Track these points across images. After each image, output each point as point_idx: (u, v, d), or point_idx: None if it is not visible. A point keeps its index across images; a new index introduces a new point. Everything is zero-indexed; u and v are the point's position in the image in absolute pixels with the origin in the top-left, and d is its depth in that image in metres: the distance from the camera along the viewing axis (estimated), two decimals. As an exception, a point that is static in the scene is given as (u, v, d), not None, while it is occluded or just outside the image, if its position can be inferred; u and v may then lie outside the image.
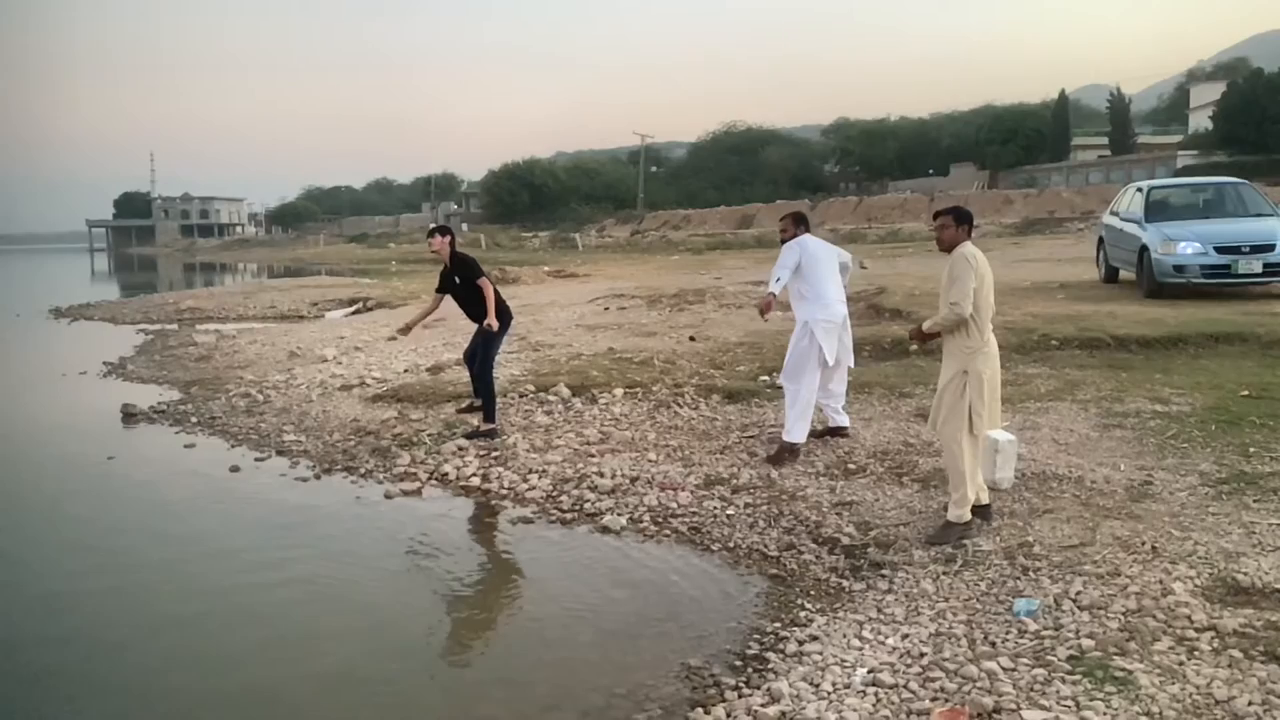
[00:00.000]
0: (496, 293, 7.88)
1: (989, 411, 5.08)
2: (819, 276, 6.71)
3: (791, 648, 4.12)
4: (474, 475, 6.99)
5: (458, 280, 7.88)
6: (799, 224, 6.95)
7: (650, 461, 6.91)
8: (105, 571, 5.60)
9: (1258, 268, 11.75)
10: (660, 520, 5.86)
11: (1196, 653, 3.69)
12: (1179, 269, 12.03)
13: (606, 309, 16.05)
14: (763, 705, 3.63)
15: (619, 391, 8.92)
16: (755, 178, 73.86)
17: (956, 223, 5.12)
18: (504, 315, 7.87)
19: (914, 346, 5.56)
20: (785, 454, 6.64)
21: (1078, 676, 3.58)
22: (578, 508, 6.20)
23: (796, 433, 6.70)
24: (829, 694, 3.67)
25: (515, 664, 4.37)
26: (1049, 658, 3.75)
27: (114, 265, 72.30)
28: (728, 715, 3.65)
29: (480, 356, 7.90)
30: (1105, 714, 3.31)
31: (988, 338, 5.07)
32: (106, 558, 5.84)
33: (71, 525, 6.52)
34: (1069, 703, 3.40)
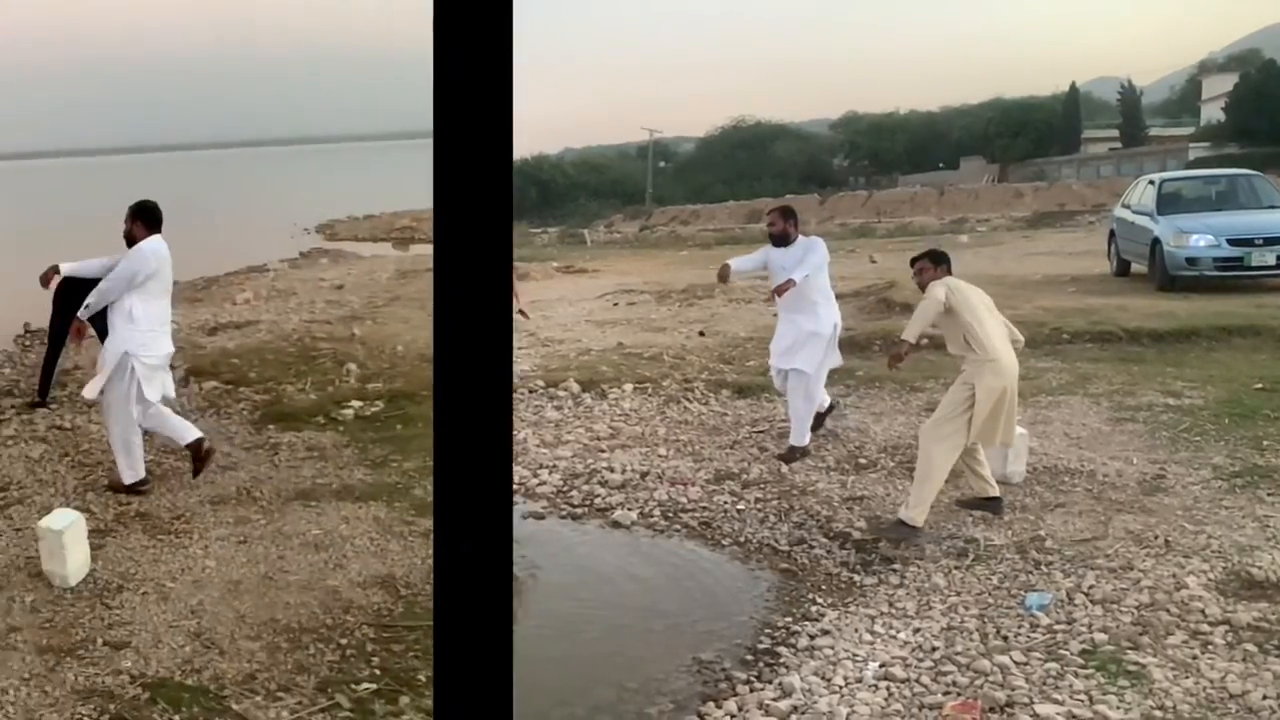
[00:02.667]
0: None
1: (988, 427, 5.04)
2: (826, 277, 6.66)
3: (803, 642, 4.12)
4: (484, 471, 6.99)
5: None
6: (788, 218, 6.62)
7: (660, 456, 6.91)
8: None
9: (1271, 260, 11.66)
10: (670, 515, 5.86)
11: (1210, 647, 3.69)
12: (1191, 261, 11.95)
13: (615, 305, 16.03)
14: (774, 699, 3.63)
15: (629, 387, 8.92)
16: (764, 173, 73.55)
17: (934, 264, 5.31)
18: None
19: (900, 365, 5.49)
20: (796, 454, 6.63)
21: (1091, 670, 3.57)
22: (588, 503, 6.20)
23: (804, 435, 6.67)
24: (841, 688, 3.67)
25: (525, 658, 4.37)
26: (1062, 652, 3.74)
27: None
28: (739, 709, 3.65)
29: None
30: (1119, 708, 3.31)
31: (994, 355, 5.03)
32: None
33: None
34: (1082, 697, 3.40)
